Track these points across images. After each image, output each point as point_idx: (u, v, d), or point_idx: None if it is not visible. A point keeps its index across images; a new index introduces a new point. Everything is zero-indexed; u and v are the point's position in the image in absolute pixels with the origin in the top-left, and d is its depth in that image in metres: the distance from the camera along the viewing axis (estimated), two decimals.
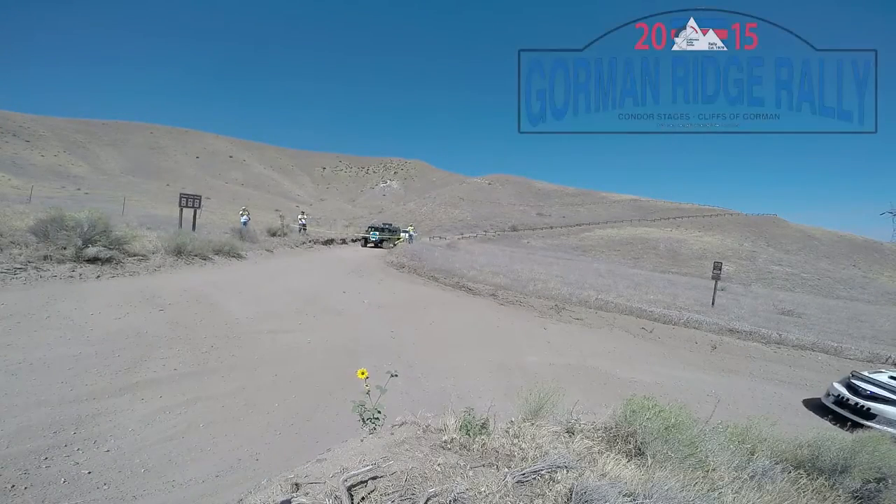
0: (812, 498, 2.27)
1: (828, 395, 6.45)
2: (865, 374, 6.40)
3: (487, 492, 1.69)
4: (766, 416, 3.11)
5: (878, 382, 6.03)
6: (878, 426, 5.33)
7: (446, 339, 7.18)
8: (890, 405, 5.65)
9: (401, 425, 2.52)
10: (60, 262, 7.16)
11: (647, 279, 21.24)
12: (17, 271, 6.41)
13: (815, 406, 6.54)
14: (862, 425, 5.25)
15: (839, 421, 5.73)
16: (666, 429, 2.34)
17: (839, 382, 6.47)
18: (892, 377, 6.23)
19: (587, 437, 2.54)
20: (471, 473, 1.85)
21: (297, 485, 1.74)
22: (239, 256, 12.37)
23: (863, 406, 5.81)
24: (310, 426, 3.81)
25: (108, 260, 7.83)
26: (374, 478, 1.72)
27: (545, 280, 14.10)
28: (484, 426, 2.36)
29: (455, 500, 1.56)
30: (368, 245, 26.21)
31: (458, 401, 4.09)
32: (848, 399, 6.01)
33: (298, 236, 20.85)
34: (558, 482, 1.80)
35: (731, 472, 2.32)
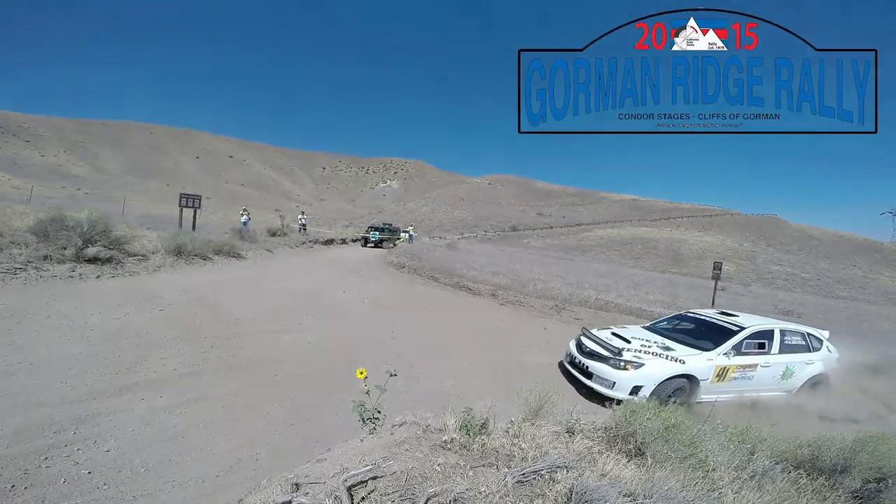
0: (812, 498, 2.27)
1: (566, 354, 6.01)
2: (593, 331, 5.90)
3: (487, 492, 1.70)
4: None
5: (597, 339, 5.56)
6: (595, 385, 5.04)
7: (446, 339, 7.17)
8: (602, 362, 5.13)
9: (401, 425, 2.52)
10: (60, 262, 7.16)
11: (647, 279, 21.26)
12: (17, 271, 6.42)
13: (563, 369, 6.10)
14: (586, 386, 5.00)
15: (573, 382, 5.44)
16: (666, 429, 2.34)
17: (573, 340, 6.02)
18: (614, 333, 5.75)
19: (587, 437, 2.54)
20: (471, 473, 1.85)
21: (297, 485, 1.74)
22: (239, 256, 12.36)
23: (584, 364, 5.35)
24: (310, 426, 3.80)
25: (108, 260, 7.83)
26: (374, 478, 1.73)
27: (545, 280, 14.11)
28: (484, 426, 2.36)
29: (455, 500, 1.57)
30: (368, 245, 26.25)
31: (458, 401, 4.08)
32: (575, 357, 5.58)
33: (298, 236, 20.86)
34: (558, 482, 1.80)
35: (731, 472, 2.32)
